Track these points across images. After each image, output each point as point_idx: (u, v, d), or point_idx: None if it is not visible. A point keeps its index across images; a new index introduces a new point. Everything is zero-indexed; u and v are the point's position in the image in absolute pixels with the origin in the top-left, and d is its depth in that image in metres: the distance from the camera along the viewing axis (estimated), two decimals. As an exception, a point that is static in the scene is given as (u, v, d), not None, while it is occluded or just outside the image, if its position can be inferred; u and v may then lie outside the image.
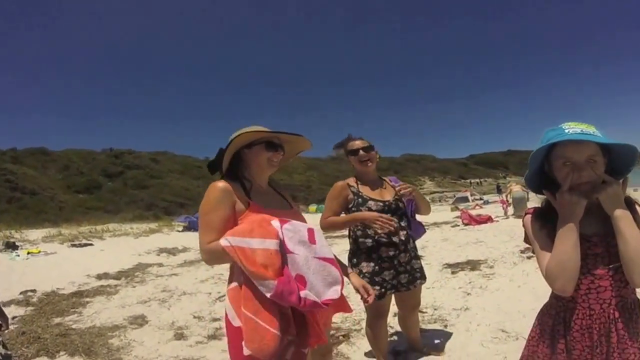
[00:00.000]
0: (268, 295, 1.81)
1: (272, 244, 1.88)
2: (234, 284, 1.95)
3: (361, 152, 3.24)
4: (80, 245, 15.19)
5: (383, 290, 3.17)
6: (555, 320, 1.67)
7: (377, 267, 3.16)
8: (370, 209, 3.14)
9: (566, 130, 1.52)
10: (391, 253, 3.17)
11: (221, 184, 2.00)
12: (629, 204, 1.54)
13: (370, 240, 3.19)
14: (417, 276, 3.34)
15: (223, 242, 1.84)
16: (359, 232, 3.25)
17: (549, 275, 1.53)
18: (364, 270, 3.18)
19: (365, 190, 3.26)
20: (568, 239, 1.50)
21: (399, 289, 3.26)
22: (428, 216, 3.68)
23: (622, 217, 1.48)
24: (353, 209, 3.21)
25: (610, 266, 1.53)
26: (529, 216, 1.73)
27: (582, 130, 1.50)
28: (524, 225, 1.76)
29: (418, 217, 3.45)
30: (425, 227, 3.61)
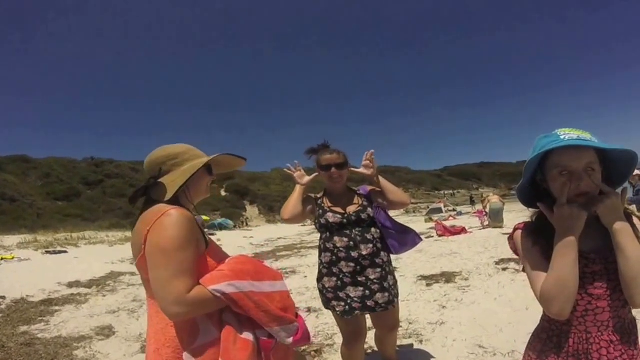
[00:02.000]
0: (289, 340, 1.68)
1: (283, 286, 1.76)
2: (199, 344, 1.60)
3: (333, 169, 3.03)
4: (55, 253, 15.01)
5: (347, 307, 2.92)
6: (545, 345, 1.54)
7: (339, 282, 2.95)
8: (327, 221, 3.00)
9: (562, 137, 1.40)
10: (351, 268, 2.92)
11: (186, 212, 1.62)
12: (627, 217, 1.42)
13: (329, 254, 3.00)
14: (394, 293, 3.06)
15: (227, 288, 1.55)
16: (322, 246, 3.09)
17: (546, 297, 1.39)
18: (327, 285, 3.00)
19: (327, 202, 3.12)
20: (567, 256, 1.36)
21: (375, 310, 2.96)
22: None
23: (622, 231, 1.36)
24: (316, 221, 3.10)
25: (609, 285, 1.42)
26: (519, 232, 1.59)
27: (578, 137, 1.39)
28: (513, 242, 1.62)
29: (414, 227, 3.26)
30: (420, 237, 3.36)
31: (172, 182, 1.73)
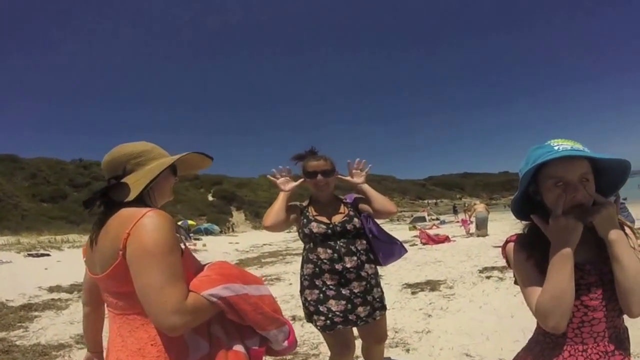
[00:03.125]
0: (285, 344, 1.62)
1: (267, 290, 1.67)
2: (196, 357, 1.45)
3: (319, 176, 2.90)
4: (37, 256, 14.83)
5: (329, 322, 2.77)
6: (537, 358, 1.50)
7: (321, 295, 2.80)
8: (311, 230, 2.86)
9: (555, 147, 1.38)
10: (335, 281, 2.78)
11: (165, 213, 1.48)
12: (619, 226, 1.39)
13: (312, 266, 2.87)
14: (377, 307, 2.90)
15: (223, 292, 1.44)
16: (305, 257, 2.96)
17: (542, 311, 1.35)
18: (309, 298, 2.86)
19: (312, 211, 2.98)
20: (564, 269, 1.33)
21: (357, 324, 2.83)
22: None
23: (618, 241, 1.33)
24: (300, 230, 2.97)
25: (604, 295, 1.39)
26: (511, 244, 1.55)
27: (572, 147, 1.37)
28: (505, 256, 1.58)
29: (398, 234, 3.16)
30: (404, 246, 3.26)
31: (136, 182, 1.56)
